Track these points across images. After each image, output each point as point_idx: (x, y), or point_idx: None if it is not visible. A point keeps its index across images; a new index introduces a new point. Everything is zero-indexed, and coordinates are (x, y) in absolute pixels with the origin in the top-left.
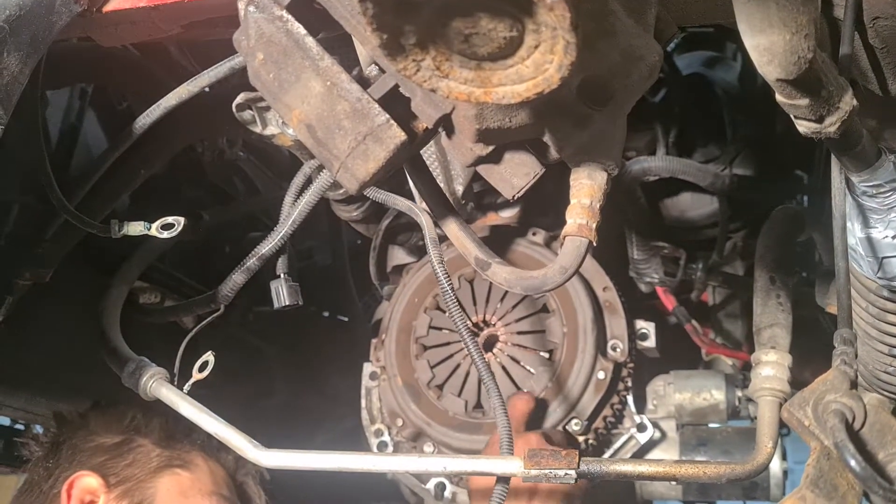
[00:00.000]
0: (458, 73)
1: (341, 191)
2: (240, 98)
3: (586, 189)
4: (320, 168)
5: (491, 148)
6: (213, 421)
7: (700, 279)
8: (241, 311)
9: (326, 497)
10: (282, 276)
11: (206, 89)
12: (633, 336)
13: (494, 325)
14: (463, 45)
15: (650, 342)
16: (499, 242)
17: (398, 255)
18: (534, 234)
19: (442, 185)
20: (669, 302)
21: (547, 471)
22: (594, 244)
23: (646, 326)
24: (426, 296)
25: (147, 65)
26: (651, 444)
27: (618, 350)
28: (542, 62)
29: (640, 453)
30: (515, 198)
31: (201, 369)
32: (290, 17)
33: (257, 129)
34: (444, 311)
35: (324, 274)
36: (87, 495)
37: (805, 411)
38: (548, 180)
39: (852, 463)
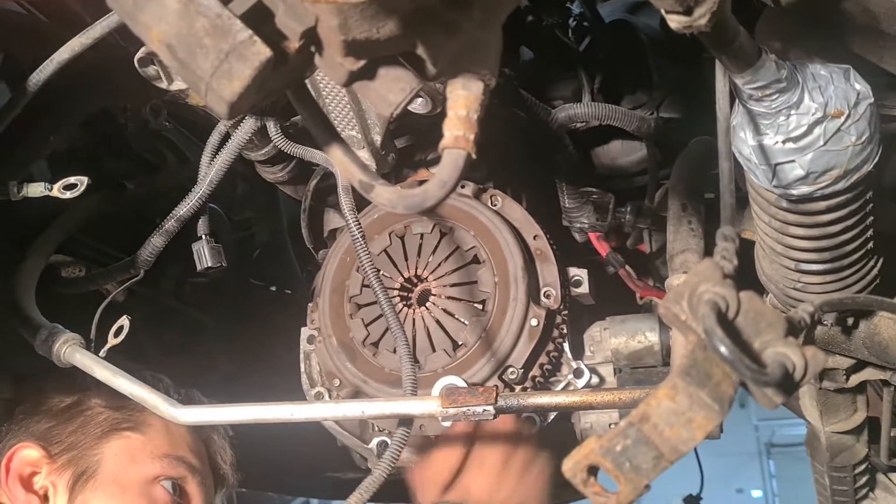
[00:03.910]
0: None
1: (263, 151)
2: (141, 52)
3: (462, 100)
4: (236, 125)
5: (362, 63)
6: (129, 382)
7: (629, 222)
8: (176, 282)
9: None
10: (203, 237)
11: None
12: (567, 283)
13: (426, 279)
14: None
15: (584, 288)
16: None
17: (335, 219)
18: (462, 186)
19: (359, 135)
20: (602, 248)
21: (465, 408)
22: (473, 156)
23: (579, 273)
24: None
25: (52, 27)
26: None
27: (550, 297)
28: None
29: None
30: (394, 115)
31: (116, 334)
32: None
33: (163, 84)
34: (377, 270)
35: (265, 245)
36: (26, 468)
37: (681, 305)
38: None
39: (721, 347)
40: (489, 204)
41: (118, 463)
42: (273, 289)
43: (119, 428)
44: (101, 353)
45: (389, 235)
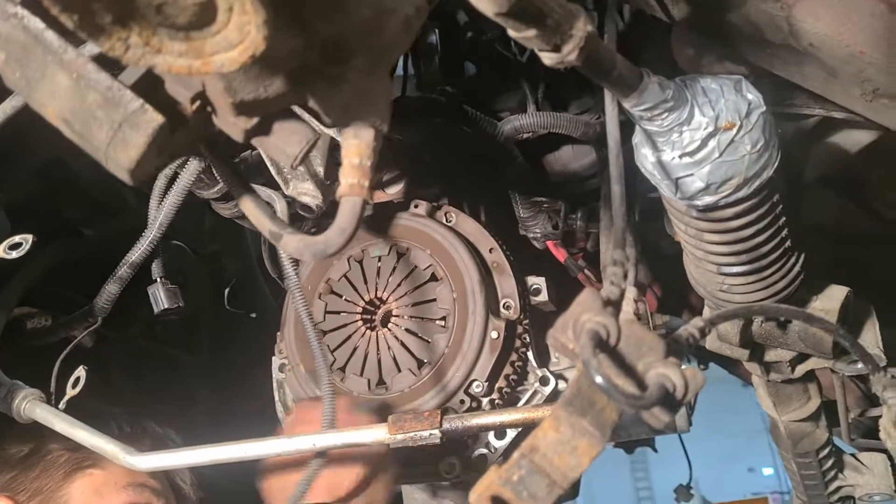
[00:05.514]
0: (171, 47)
1: (215, 189)
2: None
3: (354, 148)
4: (182, 167)
5: (255, 121)
6: (88, 434)
7: (581, 228)
8: (146, 323)
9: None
10: (158, 280)
11: None
12: (526, 293)
13: (387, 300)
14: (159, 16)
15: (543, 296)
16: (384, 218)
17: None
18: (416, 206)
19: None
20: (560, 255)
21: (412, 433)
22: (370, 202)
23: (537, 282)
24: (318, 281)
25: None
26: (556, 396)
27: (510, 308)
28: (242, 24)
29: None
30: (295, 165)
31: (74, 385)
32: (25, 12)
33: None
34: (339, 295)
35: (239, 275)
36: None
37: (567, 334)
38: (426, 152)
39: (596, 377)
40: (444, 221)
41: (85, 500)
42: (253, 315)
43: (81, 467)
44: (61, 406)
45: (348, 261)
